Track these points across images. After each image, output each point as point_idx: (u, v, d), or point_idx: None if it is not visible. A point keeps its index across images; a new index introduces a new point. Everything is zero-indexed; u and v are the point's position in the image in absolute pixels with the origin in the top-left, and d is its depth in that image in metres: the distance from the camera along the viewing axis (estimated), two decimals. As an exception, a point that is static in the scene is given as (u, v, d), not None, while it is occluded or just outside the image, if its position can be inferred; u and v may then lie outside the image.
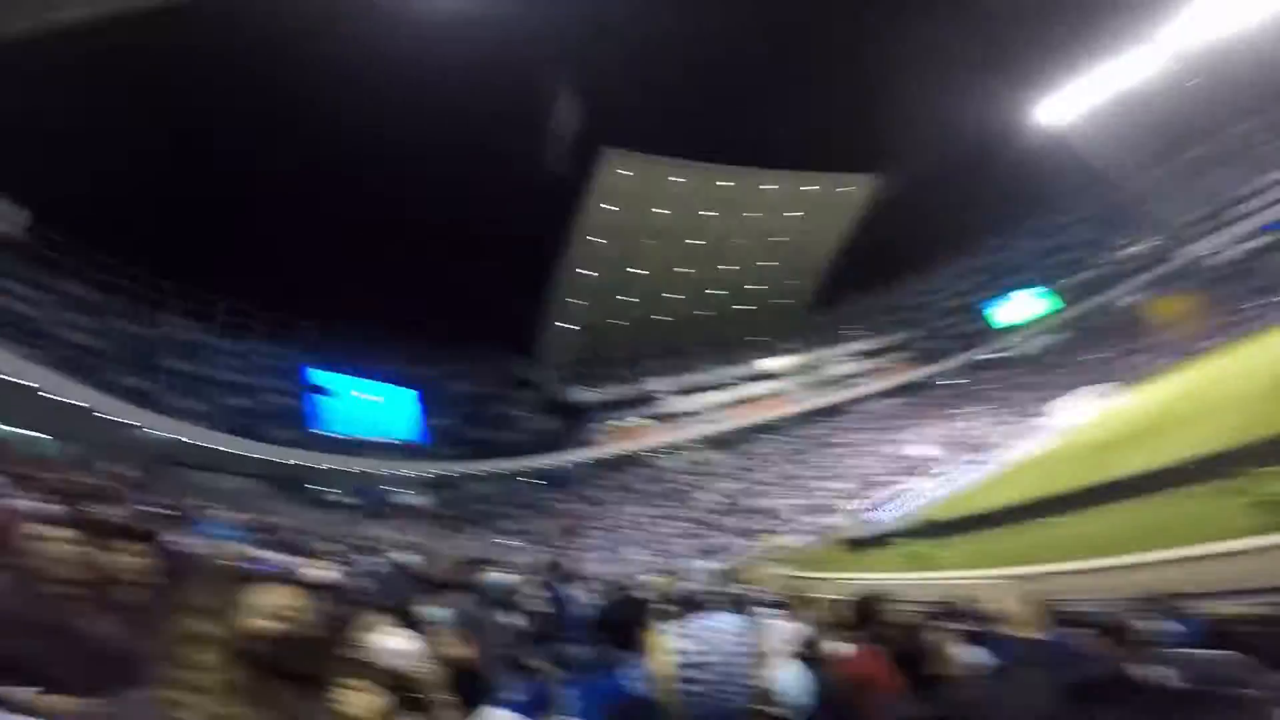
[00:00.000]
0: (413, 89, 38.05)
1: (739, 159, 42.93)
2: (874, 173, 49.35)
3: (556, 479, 39.98)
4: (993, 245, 63.04)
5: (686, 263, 48.39)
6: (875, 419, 49.61)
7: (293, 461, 26.98)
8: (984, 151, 53.97)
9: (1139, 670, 2.10)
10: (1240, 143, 50.28)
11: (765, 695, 1.28)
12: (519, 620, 5.82)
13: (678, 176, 41.88)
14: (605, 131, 37.50)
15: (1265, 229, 47.23)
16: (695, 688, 1.15)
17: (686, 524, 33.98)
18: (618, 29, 40.50)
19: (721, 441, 46.45)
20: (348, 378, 35.81)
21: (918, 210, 56.96)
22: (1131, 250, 55.39)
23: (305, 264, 43.00)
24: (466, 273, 46.39)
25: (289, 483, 26.61)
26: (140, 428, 21.30)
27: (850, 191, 50.35)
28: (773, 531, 32.21)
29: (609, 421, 43.20)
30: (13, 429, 17.53)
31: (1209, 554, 9.38)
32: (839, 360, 55.33)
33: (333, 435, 32.06)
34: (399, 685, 1.60)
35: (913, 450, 41.30)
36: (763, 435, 47.48)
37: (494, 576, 8.32)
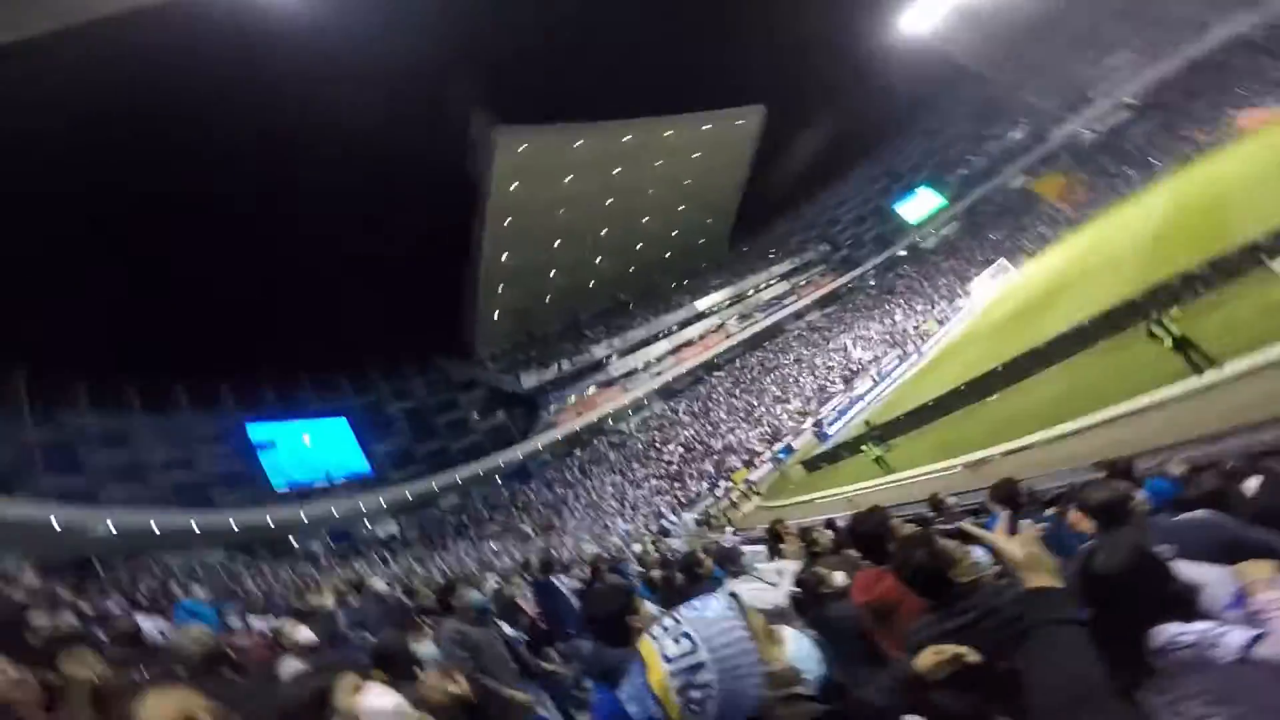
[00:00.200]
0: (281, 104, 35.21)
1: (633, 112, 42.13)
2: (763, 103, 49.68)
3: (524, 470, 39.61)
4: (885, 152, 65.61)
5: (605, 224, 47.59)
6: (813, 333, 51.29)
7: (256, 522, 25.66)
8: (860, 66, 55.31)
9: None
10: (1087, 28, 53.00)
11: (783, 677, 1.12)
12: (517, 628, 5.72)
13: (577, 140, 40.87)
14: (494, 113, 35.94)
15: (1127, 104, 50.90)
16: (696, 695, 0.99)
17: (660, 481, 34.45)
18: (486, 8, 38.91)
19: (673, 391, 47.03)
20: (287, 424, 34.01)
21: (811, 132, 58.71)
22: (1011, 136, 58.87)
23: (213, 318, 40.40)
24: (383, 290, 44.55)
25: (257, 545, 25.40)
26: (82, 524, 19.63)
27: (745, 124, 50.63)
28: (741, 467, 33.14)
29: (562, 399, 42.77)
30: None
31: (1150, 405, 9.81)
32: (766, 285, 56.50)
33: (289, 486, 30.61)
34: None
35: (855, 354, 43.07)
36: (710, 374, 48.36)
37: (473, 594, 8.16)
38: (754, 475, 30.53)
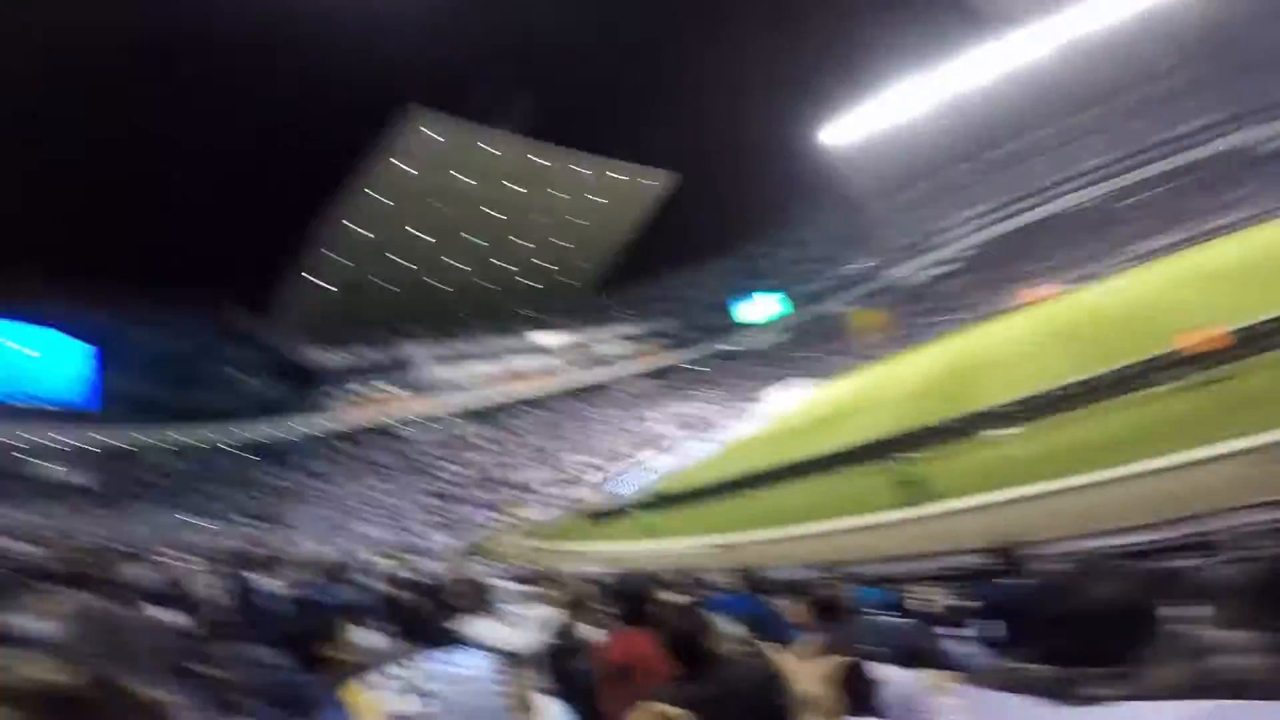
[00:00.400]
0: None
1: (553, 137, 42.70)
2: (673, 169, 52.69)
3: (277, 450, 34.58)
4: (752, 249, 72.83)
5: (477, 233, 46.10)
6: (629, 398, 53.10)
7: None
8: (769, 163, 61.54)
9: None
10: (960, 180, 64.84)
11: None
12: (183, 617, 4.53)
13: (487, 145, 39.78)
14: (414, 90, 34.24)
15: (955, 259, 62.26)
16: None
17: (429, 499, 32.12)
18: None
19: (480, 414, 45.21)
20: (17, 326, 26.98)
21: (701, 208, 63.44)
22: (853, 267, 69.11)
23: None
24: (207, 219, 37.80)
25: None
26: None
27: (650, 185, 53.13)
28: (518, 503, 32.22)
29: (355, 388, 38.70)
30: None
31: (860, 526, 11.46)
32: (607, 341, 57.92)
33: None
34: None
35: (654, 428, 45.12)
36: (523, 409, 47.49)
37: (139, 571, 6.60)
38: (531, 515, 29.80)
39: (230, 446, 32.53)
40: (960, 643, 2.87)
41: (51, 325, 29.57)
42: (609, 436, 43.56)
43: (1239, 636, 1.11)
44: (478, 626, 3.62)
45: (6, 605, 3.12)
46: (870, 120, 56.69)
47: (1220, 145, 51.98)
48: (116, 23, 31.43)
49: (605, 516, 24.22)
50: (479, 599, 5.08)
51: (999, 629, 2.70)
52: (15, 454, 25.34)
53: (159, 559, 8.23)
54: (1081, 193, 57.77)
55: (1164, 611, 1.20)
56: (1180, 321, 12.74)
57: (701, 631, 1.87)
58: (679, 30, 51.67)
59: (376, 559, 14.09)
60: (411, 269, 44.48)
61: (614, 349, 57.91)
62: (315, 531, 23.08)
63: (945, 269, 63.30)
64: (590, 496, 32.18)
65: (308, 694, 1.68)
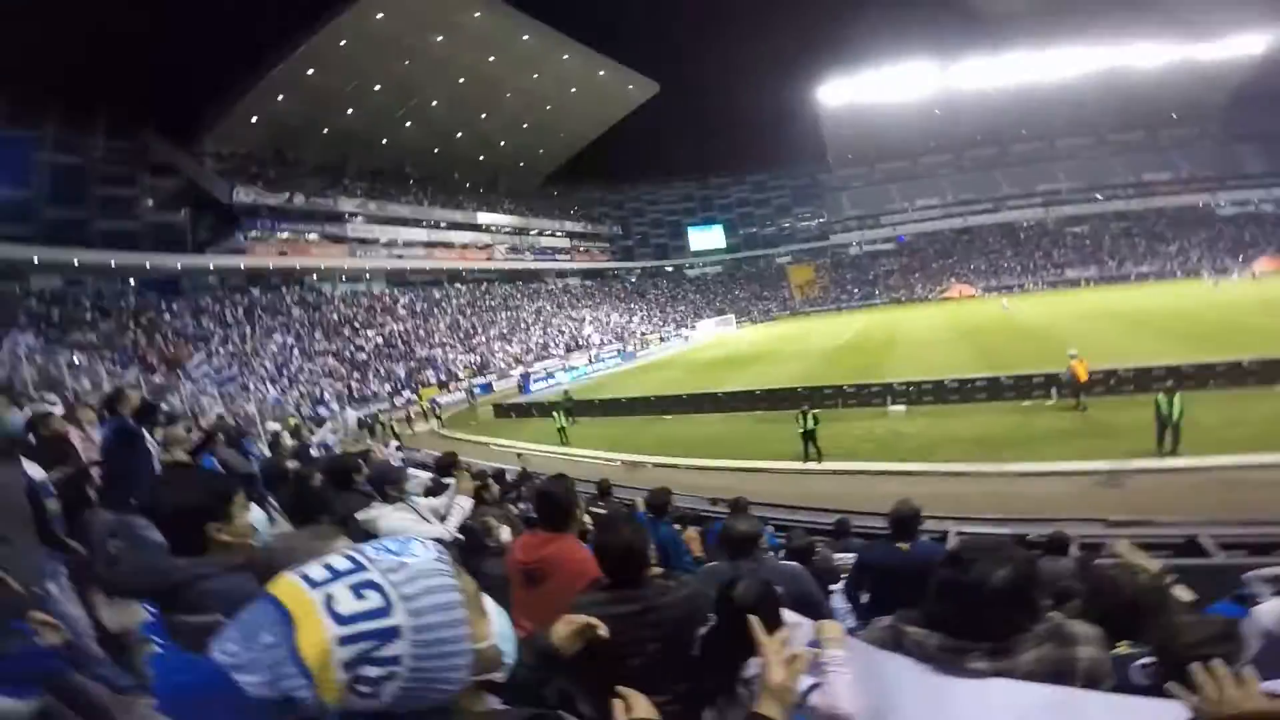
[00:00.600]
0: None
1: (549, 18, 38.81)
2: (659, 81, 49.86)
3: (174, 285, 31.77)
4: (714, 180, 71.44)
5: (442, 97, 42.11)
6: (562, 294, 52.63)
7: None
8: (753, 100, 59.21)
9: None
10: (924, 171, 65.83)
11: (487, 660, 0.78)
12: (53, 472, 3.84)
13: (480, 12, 35.79)
14: None
15: (899, 240, 64.58)
16: (373, 673, 0.63)
17: (338, 364, 30.98)
18: None
19: (405, 281, 43.38)
20: None
21: (674, 128, 60.54)
22: (802, 224, 69.97)
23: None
24: (138, 31, 31.52)
25: None
26: None
27: (633, 91, 50.36)
28: (433, 385, 31.83)
29: (272, 230, 35.73)
30: None
31: (773, 470, 12.33)
32: (551, 234, 56.18)
33: None
34: None
35: (582, 330, 45.25)
36: (451, 284, 46.01)
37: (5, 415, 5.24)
38: (442, 399, 29.53)
39: (120, 276, 29.49)
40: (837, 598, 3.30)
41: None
42: (538, 329, 43.29)
43: (1094, 631, 1.33)
44: (388, 513, 3.34)
45: None
46: (864, 91, 55.68)
47: (1178, 201, 55.58)
48: None
49: (519, 413, 24.36)
50: (387, 482, 4.56)
51: (883, 591, 3.01)
52: None
53: (33, 401, 7.20)
54: (1028, 211, 60.53)
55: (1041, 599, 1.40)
56: (1071, 348, 14.13)
57: (645, 550, 1.83)
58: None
59: (275, 425, 13.37)
60: (361, 122, 40.53)
61: (556, 243, 56.51)
62: (212, 384, 21.60)
63: (884, 247, 65.56)
64: (509, 389, 32.26)
65: (197, 587, 1.46)
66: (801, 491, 9.69)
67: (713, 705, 1.51)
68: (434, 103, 42.28)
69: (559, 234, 57.08)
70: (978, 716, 1.21)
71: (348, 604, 0.64)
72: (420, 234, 44.50)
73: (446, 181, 50.16)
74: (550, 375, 33.06)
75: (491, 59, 40.18)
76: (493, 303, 45.41)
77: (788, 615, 1.68)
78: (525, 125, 49.28)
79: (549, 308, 48.24)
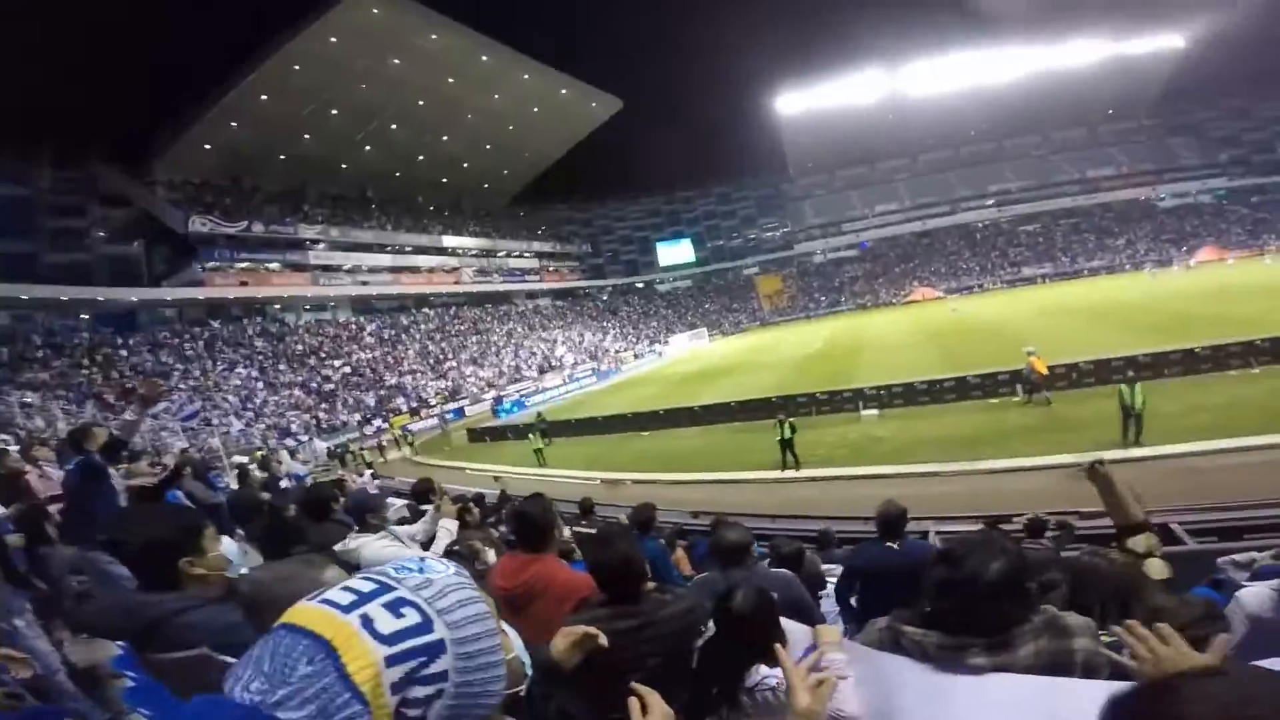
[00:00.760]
0: None
1: (508, 38, 39.07)
2: (620, 98, 50.39)
3: (130, 319, 30.80)
4: (680, 194, 72.45)
5: (401, 120, 41.95)
6: (533, 315, 52.37)
7: None
8: (714, 113, 60.87)
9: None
10: (881, 176, 67.64)
11: (514, 674, 0.81)
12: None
13: (433, 33, 35.56)
14: None
15: (862, 246, 66.11)
16: (421, 694, 0.58)
17: (305, 395, 30.24)
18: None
19: (370, 308, 42.71)
20: None
21: (638, 144, 61.01)
22: (768, 234, 71.23)
23: None
24: (88, 58, 30.94)
25: None
26: None
27: (596, 109, 50.75)
28: (404, 413, 31.27)
29: (230, 260, 34.89)
30: None
31: (740, 480, 12.37)
32: (519, 255, 56.03)
33: None
34: None
35: (554, 351, 45.03)
36: (418, 309, 45.49)
37: None
38: (414, 426, 29.05)
39: (72, 310, 28.48)
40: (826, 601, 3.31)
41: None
42: (509, 352, 42.93)
43: (1086, 621, 1.33)
44: (370, 542, 3.25)
45: None
46: (819, 99, 57.29)
47: (1121, 195, 58.29)
48: None
49: (494, 436, 24.08)
50: (367, 511, 4.51)
51: (873, 592, 3.06)
52: None
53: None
54: (983, 212, 62.83)
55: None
56: (1027, 346, 14.61)
57: (639, 562, 1.82)
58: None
59: (242, 458, 13.07)
60: (319, 147, 40.04)
61: (524, 264, 56.37)
62: (173, 420, 20.90)
63: (848, 254, 67.13)
64: (482, 412, 31.86)
65: (174, 623, 1.39)
66: (781, 500, 9.74)
67: (715, 715, 1.50)
68: (393, 126, 42.04)
69: (527, 254, 56.99)
70: (979, 712, 1.21)
71: (387, 623, 0.60)
72: (385, 259, 43.99)
73: (410, 205, 49.83)
74: (524, 398, 32.75)
75: (451, 80, 40.11)
76: (462, 327, 44.97)
77: (786, 624, 1.66)
78: (488, 146, 49.23)
79: (520, 329, 47.97)
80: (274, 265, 37.15)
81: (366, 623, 0.59)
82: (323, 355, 34.30)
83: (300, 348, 34.18)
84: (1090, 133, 62.63)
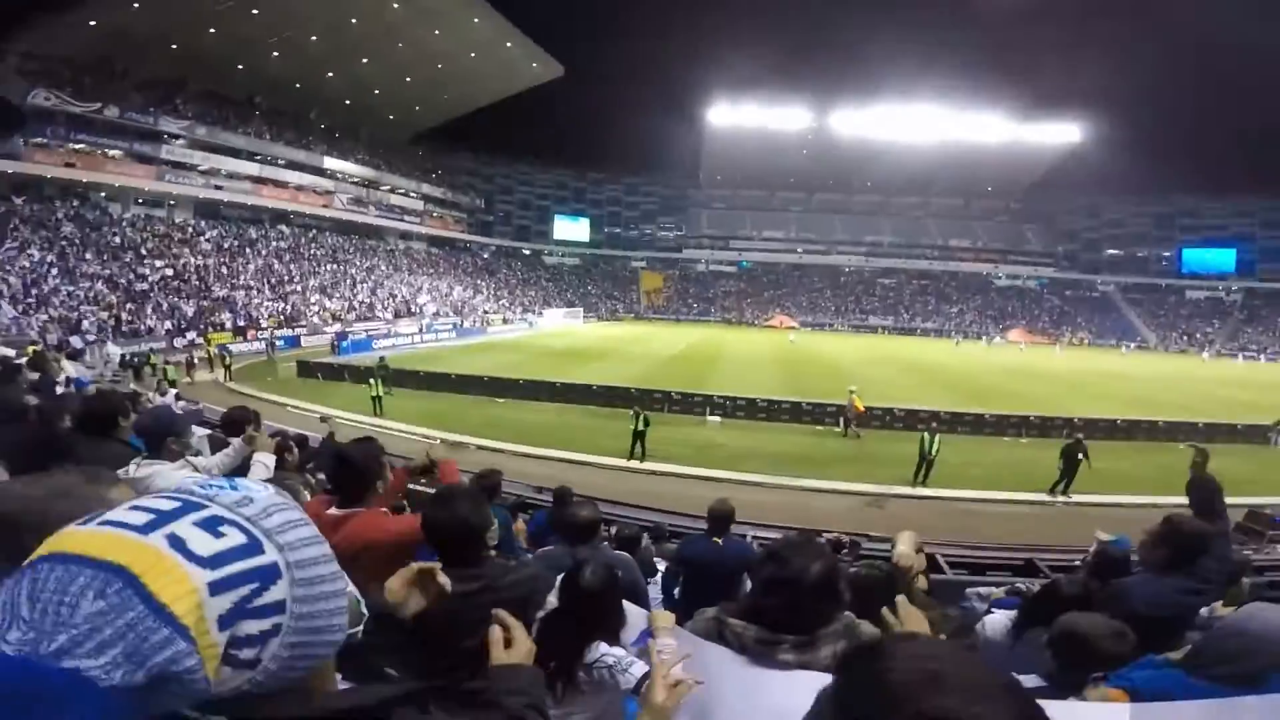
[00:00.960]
0: None
1: None
2: (566, 67, 48.60)
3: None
4: (593, 175, 71.89)
5: (324, 34, 37.29)
6: (403, 257, 49.04)
7: None
8: (644, 104, 60.68)
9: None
10: (780, 204, 71.03)
11: (352, 612, 0.68)
12: None
13: None
14: None
15: (740, 265, 69.11)
16: (255, 629, 0.47)
17: (109, 290, 25.75)
18: None
19: (217, 213, 37.48)
20: None
21: (566, 114, 60.12)
22: (665, 233, 72.66)
23: None
24: None
25: None
26: None
27: (536, 69, 48.01)
28: (226, 331, 27.71)
29: (65, 139, 29.92)
30: None
31: (592, 464, 12.55)
32: (403, 192, 51.90)
33: None
34: None
35: (420, 298, 42.44)
36: (274, 225, 40.70)
37: None
38: (235, 347, 25.77)
39: None
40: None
41: None
42: (362, 286, 39.72)
43: (876, 632, 1.48)
44: (165, 472, 2.73)
45: None
46: (748, 119, 59.69)
47: (968, 268, 66.66)
48: None
49: (329, 375, 22.03)
50: (168, 433, 3.56)
51: (696, 583, 3.23)
52: None
53: None
54: (854, 258, 69.12)
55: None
56: (851, 385, 16.80)
57: (480, 527, 1.73)
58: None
59: (8, 351, 10.72)
60: (213, 39, 34.54)
61: (407, 203, 52.43)
62: None
63: (728, 269, 70.74)
64: (319, 346, 29.11)
65: None
66: (624, 488, 10.02)
67: (551, 690, 1.49)
68: (313, 37, 37.52)
69: (414, 194, 53.04)
70: (788, 706, 1.32)
71: (204, 544, 0.46)
72: (251, 167, 39.10)
73: (299, 119, 44.57)
74: (370, 339, 30.28)
75: (396, 5, 36.63)
76: (319, 252, 40.85)
77: (625, 605, 1.74)
78: (409, 79, 45.22)
79: (384, 268, 44.58)
80: (115, 153, 32.26)
81: (177, 543, 0.46)
82: (143, 253, 29.53)
83: (119, 240, 29.41)
84: (965, 204, 70.84)
